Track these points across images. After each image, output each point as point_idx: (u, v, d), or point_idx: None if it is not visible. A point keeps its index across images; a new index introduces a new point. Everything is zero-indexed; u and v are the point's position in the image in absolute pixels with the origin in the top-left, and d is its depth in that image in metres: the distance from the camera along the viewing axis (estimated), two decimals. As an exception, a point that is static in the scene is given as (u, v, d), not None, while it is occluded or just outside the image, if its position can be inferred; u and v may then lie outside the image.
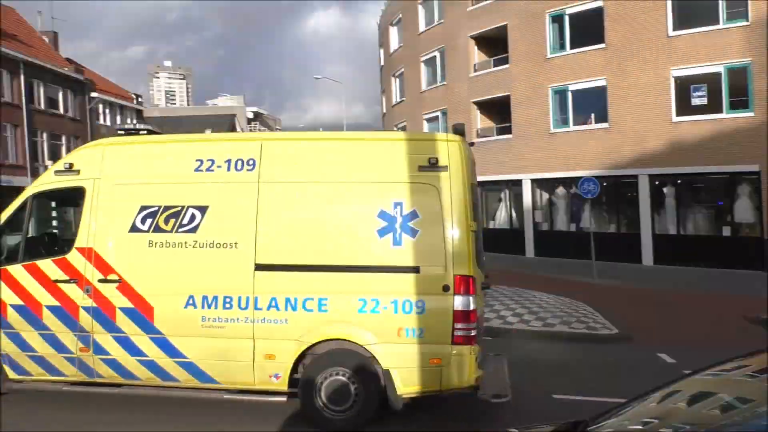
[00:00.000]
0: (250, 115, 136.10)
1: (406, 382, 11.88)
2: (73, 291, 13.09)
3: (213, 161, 12.88)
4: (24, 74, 62.40)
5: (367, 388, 12.04)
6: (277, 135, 13.37)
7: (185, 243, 12.65)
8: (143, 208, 12.88)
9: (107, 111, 79.41)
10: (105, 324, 12.88)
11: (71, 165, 13.59)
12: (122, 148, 13.49)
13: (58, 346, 13.21)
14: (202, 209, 12.71)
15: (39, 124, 63.52)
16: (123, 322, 12.77)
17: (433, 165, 12.06)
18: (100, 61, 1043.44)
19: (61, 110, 68.73)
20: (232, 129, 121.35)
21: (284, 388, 12.27)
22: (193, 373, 12.59)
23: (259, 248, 12.34)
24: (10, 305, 13.39)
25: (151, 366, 12.74)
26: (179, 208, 12.80)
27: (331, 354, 12.12)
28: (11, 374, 13.55)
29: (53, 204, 15.16)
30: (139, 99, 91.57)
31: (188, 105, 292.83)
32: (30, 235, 13.88)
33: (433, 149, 12.21)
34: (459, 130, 12.54)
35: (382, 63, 70.48)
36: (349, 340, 12.00)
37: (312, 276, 12.10)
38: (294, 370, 12.27)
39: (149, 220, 12.87)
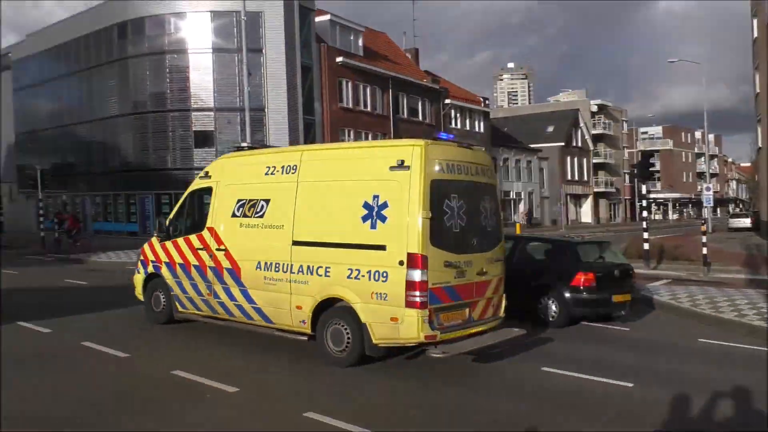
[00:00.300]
0: (594, 109, 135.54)
1: (377, 334, 15.17)
2: (204, 255, 18.51)
3: (274, 167, 17.36)
4: (392, 89, 70.47)
5: (354, 335, 15.51)
6: (311, 147, 18.18)
7: (257, 225, 17.34)
8: (238, 201, 17.98)
9: (458, 115, 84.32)
10: (218, 278, 18.00)
11: (207, 172, 19.39)
12: (230, 160, 18.86)
13: (198, 291, 18.73)
14: (267, 201, 17.34)
15: (402, 132, 70.20)
16: (227, 277, 17.81)
17: (400, 165, 15.08)
18: (452, 69, 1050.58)
19: (420, 117, 75.31)
20: (575, 124, 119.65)
21: (308, 331, 16.33)
22: (261, 316, 17.18)
23: (295, 229, 16.53)
24: (177, 263, 19.37)
25: (240, 309, 17.61)
26: (255, 201, 17.60)
27: (335, 309, 15.78)
28: (178, 308, 19.53)
29: (203, 197, 19.91)
30: (486, 102, 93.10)
31: (529, 104, 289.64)
32: (187, 219, 19.88)
33: (402, 153, 15.18)
34: (435, 137, 15.93)
35: (755, 35, 63.48)
36: (343, 299, 15.55)
37: (321, 250, 15.94)
38: (315, 318, 16.15)
39: (240, 209, 17.85)
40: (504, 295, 17.11)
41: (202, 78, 59.43)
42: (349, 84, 67.10)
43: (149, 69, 61.33)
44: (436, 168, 15.30)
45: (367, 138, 66.05)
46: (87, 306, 22.26)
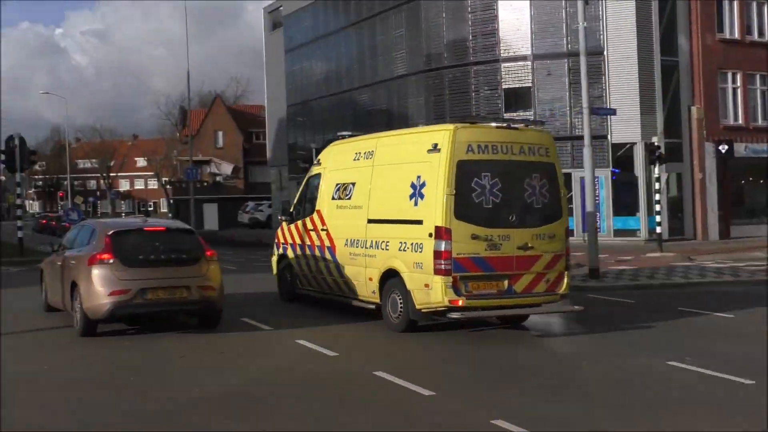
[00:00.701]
0: None
1: (417, 300, 18.52)
2: (314, 236, 22.71)
3: (360, 153, 21.55)
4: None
5: (404, 302, 18.95)
6: (385, 134, 22.10)
7: (346, 206, 21.45)
8: (336, 185, 22.17)
9: None
10: (322, 256, 22.24)
11: (318, 160, 23.95)
12: (334, 148, 23.53)
13: (310, 269, 22.93)
14: (353, 184, 21.39)
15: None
16: (327, 254, 21.96)
17: (434, 148, 18.44)
18: None
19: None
20: None
21: (377, 300, 19.91)
22: (348, 289, 21.15)
23: (370, 208, 20.40)
24: (297, 244, 23.59)
25: (336, 283, 21.74)
26: (346, 184, 21.73)
27: (393, 279, 19.23)
28: (299, 285, 23.77)
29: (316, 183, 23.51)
30: None
31: None
32: (305, 203, 23.91)
33: (437, 137, 18.58)
34: (468, 119, 19.33)
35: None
36: (397, 270, 19.02)
37: (385, 226, 19.63)
38: (381, 288, 19.67)
39: (337, 192, 22.06)
40: (567, 272, 19.10)
41: (514, 17, 53.36)
42: (734, 4, 54.35)
43: (446, 12, 56.67)
44: (465, 149, 18.17)
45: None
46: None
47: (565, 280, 19.27)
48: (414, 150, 19.53)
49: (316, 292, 23.24)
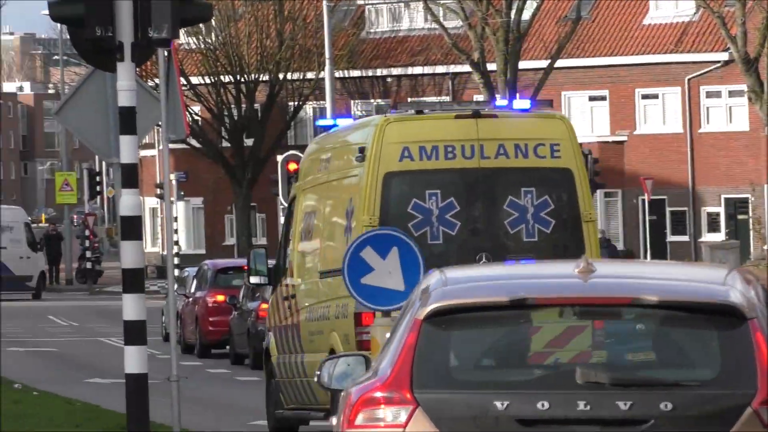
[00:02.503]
0: None
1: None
2: (285, 308, 17.77)
3: (324, 159, 16.74)
4: None
5: None
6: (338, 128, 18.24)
7: (308, 251, 16.90)
8: (304, 215, 17.09)
9: None
10: (293, 340, 17.35)
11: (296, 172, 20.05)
12: (315, 146, 18.65)
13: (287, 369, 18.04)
14: (314, 213, 16.73)
15: None
16: (295, 338, 17.15)
17: (362, 154, 14.28)
18: None
19: None
20: None
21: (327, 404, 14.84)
22: (311, 393, 16.42)
23: (322, 254, 16.09)
24: (276, 326, 18.17)
25: (306, 388, 16.60)
26: (310, 214, 16.90)
27: None
28: (282, 401, 17.90)
29: None
30: None
31: None
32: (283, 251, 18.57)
33: (364, 136, 14.64)
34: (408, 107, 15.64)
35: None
36: (335, 351, 14.79)
37: (328, 282, 15.18)
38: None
39: (304, 229, 17.04)
40: None
41: None
42: None
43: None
44: (400, 155, 13.58)
45: None
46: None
47: None
48: (344, 156, 15.21)
49: (300, 409, 16.85)
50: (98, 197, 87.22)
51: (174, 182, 66.44)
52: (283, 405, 17.47)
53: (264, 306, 27.45)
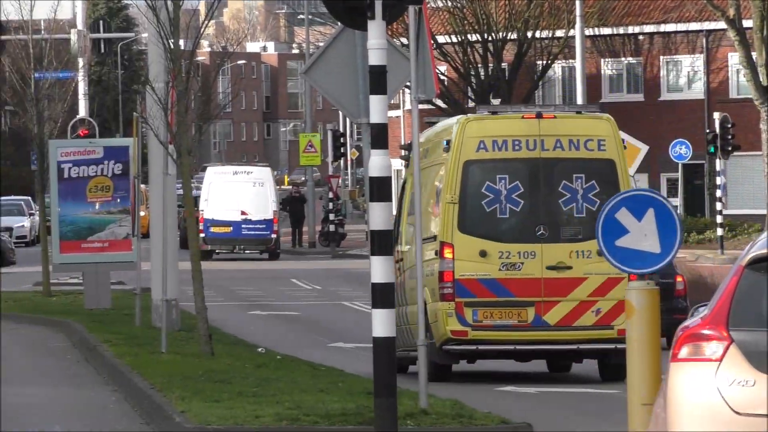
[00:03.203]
0: None
1: (435, 336, 18.60)
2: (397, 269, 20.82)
3: (427, 148, 20.28)
4: None
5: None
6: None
7: (410, 223, 20.12)
8: (412, 194, 19.22)
9: None
10: (401, 296, 20.45)
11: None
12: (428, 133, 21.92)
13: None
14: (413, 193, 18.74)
15: None
16: (401, 293, 20.26)
17: (447, 146, 18.37)
18: None
19: None
20: None
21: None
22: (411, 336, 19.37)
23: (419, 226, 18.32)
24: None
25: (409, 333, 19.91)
26: (413, 193, 18.13)
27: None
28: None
29: None
30: None
31: None
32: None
33: (450, 132, 18.43)
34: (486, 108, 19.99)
35: None
36: (425, 301, 16.74)
37: (424, 246, 17.11)
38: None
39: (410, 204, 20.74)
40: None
41: None
42: None
43: None
44: (476, 147, 17.56)
45: None
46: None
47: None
48: (437, 148, 19.15)
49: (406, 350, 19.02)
50: (342, 159, 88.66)
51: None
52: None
53: None
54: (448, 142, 18.34)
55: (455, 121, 19.13)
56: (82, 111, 65.80)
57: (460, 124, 17.88)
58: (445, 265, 18.11)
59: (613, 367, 18.92)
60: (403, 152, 68.84)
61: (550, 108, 20.48)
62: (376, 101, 10.77)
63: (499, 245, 18.08)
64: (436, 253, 18.52)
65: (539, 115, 18.32)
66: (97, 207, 34.63)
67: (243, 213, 69.63)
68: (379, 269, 10.77)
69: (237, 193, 69.70)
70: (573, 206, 18.14)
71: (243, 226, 69.40)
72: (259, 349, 24.31)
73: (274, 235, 70.65)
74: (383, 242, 10.92)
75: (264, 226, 70.24)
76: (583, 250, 18.00)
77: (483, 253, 18.05)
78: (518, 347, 17.57)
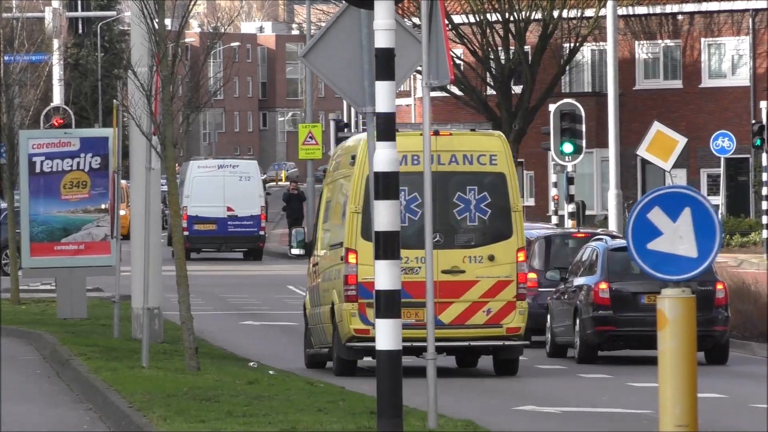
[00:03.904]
0: None
1: (341, 334, 23.25)
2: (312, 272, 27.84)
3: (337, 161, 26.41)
4: None
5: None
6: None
7: (326, 229, 26.17)
8: (326, 201, 26.67)
9: None
10: (313, 297, 27.04)
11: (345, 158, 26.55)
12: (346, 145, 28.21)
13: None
14: (329, 201, 26.13)
15: None
16: (314, 294, 26.91)
17: (353, 160, 22.60)
18: None
19: None
20: None
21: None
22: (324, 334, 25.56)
23: (331, 232, 25.25)
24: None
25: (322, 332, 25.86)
26: (328, 201, 26.32)
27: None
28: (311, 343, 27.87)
29: None
30: None
31: None
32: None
33: (357, 147, 22.79)
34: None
35: None
36: (333, 302, 23.94)
37: (334, 251, 24.27)
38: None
39: (325, 212, 26.85)
40: (519, 302, 21.68)
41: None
42: None
43: None
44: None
45: None
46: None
47: (516, 312, 21.62)
48: (344, 162, 23.55)
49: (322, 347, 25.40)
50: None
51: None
52: (312, 345, 26.02)
53: (531, 276, 30.86)
54: (354, 157, 22.29)
55: (362, 137, 22.50)
56: (57, 98, 65.96)
57: (364, 141, 20.16)
58: (349, 269, 22.27)
59: (504, 362, 24.13)
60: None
61: (446, 126, 24.28)
62: (383, 88, 10.74)
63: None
64: (341, 258, 22.75)
65: (436, 132, 21.67)
66: (72, 205, 34.57)
67: (229, 209, 70.30)
68: (384, 274, 10.76)
69: (222, 188, 70.21)
70: (466, 215, 22.03)
71: (229, 223, 69.85)
72: (251, 364, 24.39)
73: (262, 232, 71.24)
74: (389, 245, 10.87)
75: (251, 222, 71.15)
76: (475, 256, 22.05)
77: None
78: (415, 344, 19.56)
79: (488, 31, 79.00)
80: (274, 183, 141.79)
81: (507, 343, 22.55)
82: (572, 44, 79.34)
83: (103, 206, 33.76)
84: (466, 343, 22.90)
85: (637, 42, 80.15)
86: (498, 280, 21.69)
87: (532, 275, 30.67)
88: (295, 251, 30.44)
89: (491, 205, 21.96)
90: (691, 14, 79.18)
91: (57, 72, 64.79)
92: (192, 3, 23.24)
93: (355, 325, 22.26)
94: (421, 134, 20.32)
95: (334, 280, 23.54)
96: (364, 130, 22.28)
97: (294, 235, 29.76)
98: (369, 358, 22.44)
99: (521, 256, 22.52)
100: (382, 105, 10.81)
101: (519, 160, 77.74)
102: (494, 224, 22.14)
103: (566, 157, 51.73)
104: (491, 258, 21.56)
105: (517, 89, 77.83)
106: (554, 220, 56.47)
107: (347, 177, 23.29)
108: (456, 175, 22.13)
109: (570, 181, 52.03)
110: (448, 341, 21.68)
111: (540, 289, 32.98)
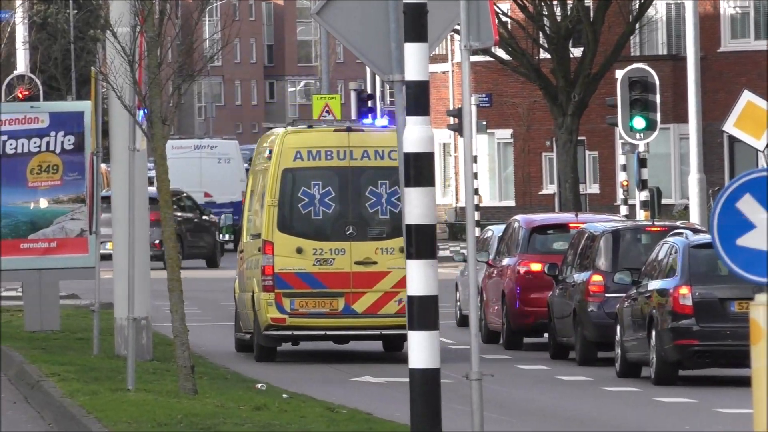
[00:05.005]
0: None
1: (260, 321, 29.26)
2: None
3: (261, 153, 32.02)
4: None
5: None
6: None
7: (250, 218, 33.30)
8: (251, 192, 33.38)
9: None
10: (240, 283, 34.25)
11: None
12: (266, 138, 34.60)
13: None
14: (252, 192, 31.63)
15: None
16: (238, 283, 34.07)
17: (269, 155, 28.19)
18: None
19: None
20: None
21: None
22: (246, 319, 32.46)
23: (253, 222, 31.42)
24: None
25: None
26: (252, 191, 32.05)
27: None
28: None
29: None
30: None
31: None
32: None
33: (272, 142, 28.58)
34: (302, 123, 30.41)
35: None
36: (253, 291, 30.16)
37: (254, 242, 30.37)
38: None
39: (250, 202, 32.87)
40: None
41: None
42: None
43: None
44: (294, 156, 26.65)
45: None
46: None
47: None
48: (263, 156, 28.25)
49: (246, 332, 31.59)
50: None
51: (474, 108, 66.83)
52: (240, 329, 31.80)
53: (596, 278, 32.88)
54: (270, 152, 27.24)
55: (277, 133, 28.68)
56: (21, 65, 66.07)
57: (279, 136, 26.52)
58: (266, 260, 27.26)
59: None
60: (451, 120, 68.92)
61: (358, 123, 31.01)
62: (413, 51, 10.75)
63: (314, 243, 26.89)
64: (259, 249, 27.78)
65: (349, 129, 27.47)
66: (41, 194, 34.53)
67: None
68: (418, 278, 10.69)
69: (199, 171, 71.43)
70: (378, 209, 27.01)
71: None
72: (259, 385, 24.30)
73: (245, 222, 72.10)
74: (424, 241, 10.81)
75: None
76: (387, 247, 26.96)
77: (299, 250, 26.86)
78: (330, 332, 26.29)
79: (541, -19, 78.68)
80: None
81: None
82: (643, -1, 78.98)
83: (78, 195, 33.78)
84: (378, 332, 28.49)
85: (721, -8, 79.96)
86: None
87: (596, 278, 32.69)
88: (224, 237, 37.33)
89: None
90: (789, -41, 79.00)
91: (21, 33, 64.97)
92: (183, -52, 23.16)
93: (272, 314, 27.63)
94: (334, 130, 27.97)
95: (253, 269, 29.21)
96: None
97: (224, 219, 39.24)
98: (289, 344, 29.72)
99: None
100: (412, 72, 10.80)
101: (579, 138, 77.68)
102: None
103: (637, 135, 51.61)
104: (402, 249, 23.50)
105: (576, 52, 77.60)
106: (623, 210, 56.55)
107: (266, 170, 28.41)
108: (368, 170, 27.03)
109: (642, 163, 51.94)
110: (361, 329, 27.88)
111: (607, 295, 32.68)
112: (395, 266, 26.71)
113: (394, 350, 31.80)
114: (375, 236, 27.28)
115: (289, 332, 28.69)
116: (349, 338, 30.04)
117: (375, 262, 26.87)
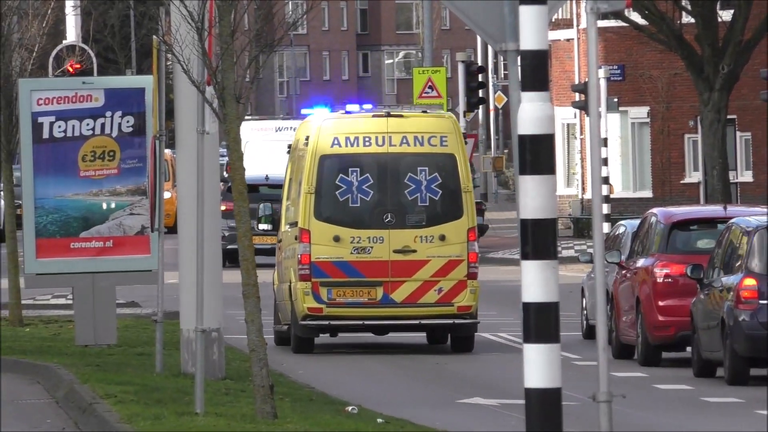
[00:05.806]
0: None
1: (297, 312, 33.76)
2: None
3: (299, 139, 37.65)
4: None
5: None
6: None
7: (288, 206, 38.39)
8: (289, 178, 38.25)
9: None
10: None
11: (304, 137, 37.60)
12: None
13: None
14: (291, 180, 36.59)
15: None
16: (276, 273, 39.99)
17: (307, 141, 32.25)
18: None
19: None
20: None
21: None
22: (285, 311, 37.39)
23: (290, 210, 35.73)
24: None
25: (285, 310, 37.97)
26: (290, 178, 37.11)
27: None
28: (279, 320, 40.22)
29: None
30: None
31: None
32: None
33: (309, 128, 33.08)
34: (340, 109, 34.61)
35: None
36: (290, 280, 35.47)
37: (292, 230, 34.65)
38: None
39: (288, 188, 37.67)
40: (470, 281, 29.72)
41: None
42: None
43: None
44: (331, 142, 30.23)
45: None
46: None
47: (467, 291, 29.02)
48: (301, 142, 31.51)
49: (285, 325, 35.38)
50: (480, 107, 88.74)
51: (603, 82, 66.68)
52: (279, 321, 35.53)
53: (748, 282, 32.26)
54: (308, 138, 30.09)
55: (315, 119, 32.41)
56: (72, 34, 66.55)
57: (316, 122, 28.89)
58: (302, 248, 30.88)
59: (459, 340, 33.60)
60: (576, 96, 68.94)
61: (398, 108, 32.39)
62: (529, 16, 10.68)
63: (351, 231, 29.78)
64: (296, 238, 31.43)
65: (388, 114, 29.81)
66: (95, 185, 34.75)
67: None
68: (536, 281, 10.52)
69: (282, 156, 71.78)
70: (417, 196, 29.85)
71: None
72: (350, 408, 24.47)
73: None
74: (541, 238, 10.58)
75: None
76: (426, 235, 29.80)
77: (336, 238, 29.89)
78: (368, 322, 29.08)
79: (684, -69, 78.22)
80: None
81: (458, 321, 31.20)
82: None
83: (138, 186, 33.79)
84: (417, 321, 32.00)
85: None
86: (449, 260, 29.46)
87: (749, 281, 32.20)
88: (262, 226, 44.03)
89: (442, 185, 29.80)
90: None
91: (71, -2, 65.37)
92: None
93: (309, 304, 31.24)
94: (372, 116, 30.88)
95: (290, 259, 33.37)
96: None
97: (263, 209, 45.31)
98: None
99: (472, 236, 29.84)
100: (528, 40, 10.71)
101: (729, 116, 77.16)
102: (445, 204, 29.99)
103: (798, 112, 51.57)
104: (442, 238, 28.70)
105: (725, 15, 77.14)
106: (783, 202, 56.39)
107: (303, 156, 31.95)
108: (407, 157, 30.17)
109: (804, 146, 51.87)
110: (400, 319, 31.04)
111: (761, 302, 32.16)
112: (435, 255, 29.99)
113: (437, 342, 35.62)
114: (414, 224, 30.39)
115: (326, 322, 32.29)
116: (388, 329, 33.50)
117: (414, 251, 30.03)
